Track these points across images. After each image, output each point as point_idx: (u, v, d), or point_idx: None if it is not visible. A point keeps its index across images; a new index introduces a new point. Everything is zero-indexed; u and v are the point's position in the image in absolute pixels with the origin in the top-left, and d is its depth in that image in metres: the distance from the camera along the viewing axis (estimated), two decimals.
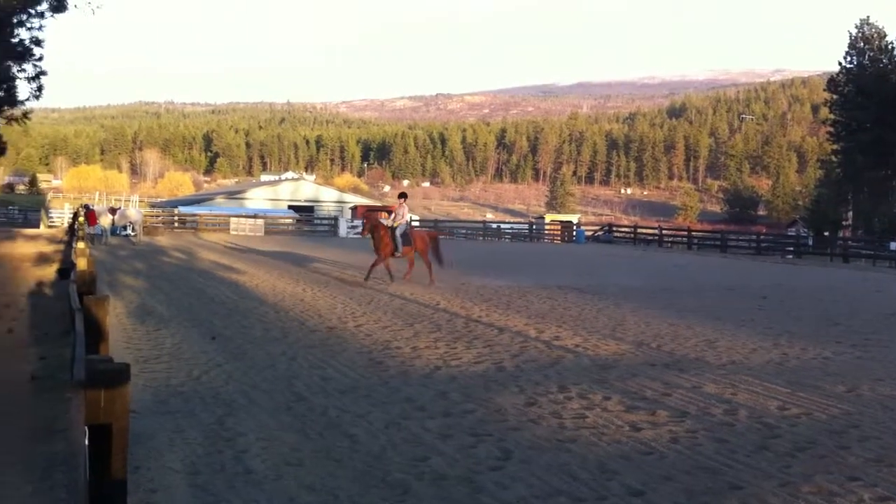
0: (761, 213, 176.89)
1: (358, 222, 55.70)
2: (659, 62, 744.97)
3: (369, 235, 20.99)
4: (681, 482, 6.12)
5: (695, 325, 14.35)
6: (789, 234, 74.26)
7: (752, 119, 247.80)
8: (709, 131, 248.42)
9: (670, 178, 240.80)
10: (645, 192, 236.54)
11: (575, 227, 60.36)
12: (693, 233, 55.73)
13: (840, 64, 71.01)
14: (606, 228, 60.21)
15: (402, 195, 22.50)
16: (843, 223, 66.99)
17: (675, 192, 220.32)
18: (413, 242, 21.10)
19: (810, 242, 50.84)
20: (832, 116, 72.70)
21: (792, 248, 48.44)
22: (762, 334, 13.59)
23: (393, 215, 21.63)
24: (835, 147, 73.30)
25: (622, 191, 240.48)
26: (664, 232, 55.58)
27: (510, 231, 66.30)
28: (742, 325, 14.71)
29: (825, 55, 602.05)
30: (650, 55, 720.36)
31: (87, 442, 3.64)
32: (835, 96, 71.67)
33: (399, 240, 20.71)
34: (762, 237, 55.14)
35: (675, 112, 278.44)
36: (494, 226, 69.46)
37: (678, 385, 9.42)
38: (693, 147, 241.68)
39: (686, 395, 8.97)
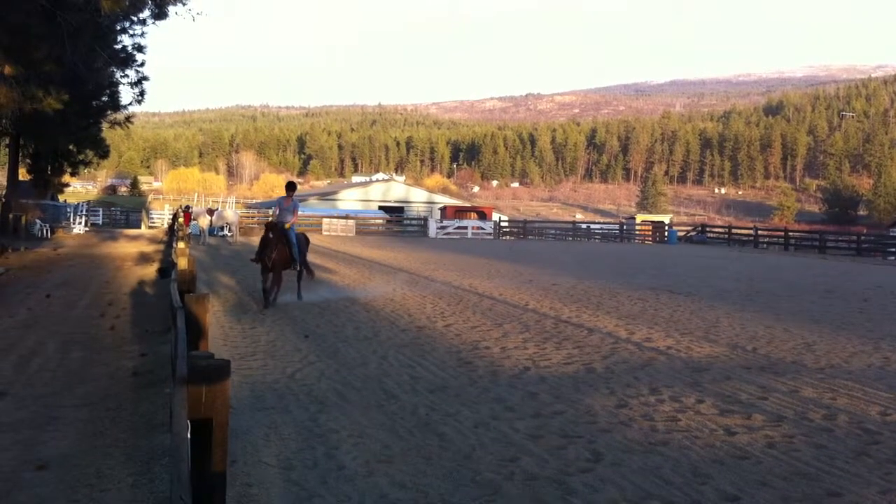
0: (862, 213, 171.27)
1: (448, 223, 56.02)
2: (755, 59, 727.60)
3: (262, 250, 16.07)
4: (777, 488, 5.99)
5: (792, 328, 13.97)
6: (892, 234, 71.47)
7: (852, 116, 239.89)
8: (807, 129, 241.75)
9: (766, 177, 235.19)
10: (740, 192, 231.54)
11: (667, 228, 59.37)
12: (790, 233, 54.22)
13: None
14: (699, 229, 59.06)
15: (291, 186, 17.36)
16: None
17: (771, 192, 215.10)
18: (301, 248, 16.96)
19: None
20: None
21: (895, 250, 46.65)
22: (863, 338, 13.14)
23: (276, 210, 17.11)
24: None
25: (716, 190, 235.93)
26: (760, 232, 54.19)
27: (600, 231, 65.63)
28: (842, 328, 14.25)
29: None
30: (746, 52, 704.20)
31: (189, 436, 3.76)
32: None
33: (295, 249, 16.36)
34: (863, 238, 53.19)
35: (772, 110, 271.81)
36: (584, 226, 68.83)
37: (774, 389, 9.20)
38: (790, 145, 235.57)
39: (783, 399, 8.75)
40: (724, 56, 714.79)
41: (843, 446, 7.03)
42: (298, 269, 16.77)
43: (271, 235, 15.83)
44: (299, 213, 17.35)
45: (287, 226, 16.33)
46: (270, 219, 17.12)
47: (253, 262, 16.85)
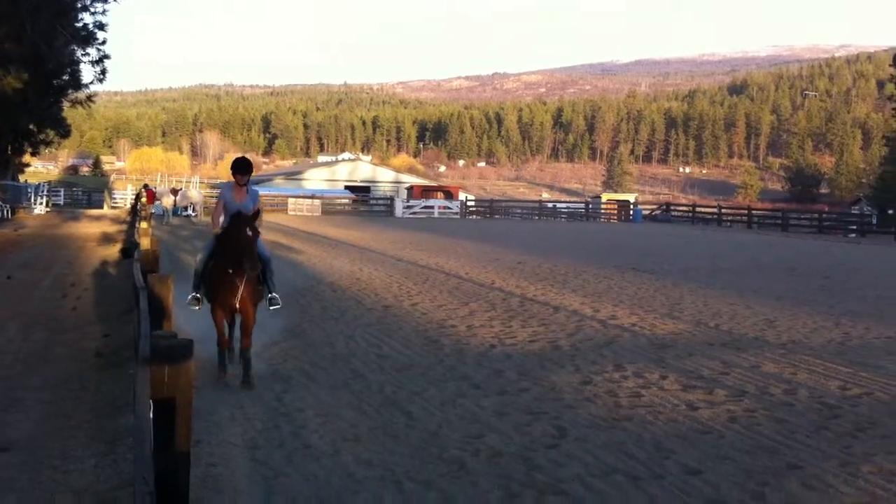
0: (824, 191, 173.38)
1: (415, 202, 55.91)
2: (720, 38, 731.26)
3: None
4: (739, 462, 6.08)
5: (754, 305, 14.15)
6: (853, 212, 72.47)
7: (815, 95, 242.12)
8: (771, 108, 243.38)
9: (730, 156, 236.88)
10: (704, 171, 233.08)
11: (632, 207, 59.78)
12: (753, 211, 54.82)
13: None
14: (664, 207, 59.57)
15: (244, 165, 8.90)
16: None
17: (735, 171, 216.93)
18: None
19: (874, 221, 49.56)
20: None
21: (855, 227, 47.33)
22: (824, 314, 13.34)
23: (219, 207, 9.22)
24: None
25: (680, 170, 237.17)
26: (724, 211, 54.73)
27: (566, 210, 65.84)
28: (803, 304, 14.46)
29: (892, 30, 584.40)
30: (711, 31, 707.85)
31: (151, 416, 3.73)
32: None
33: (270, 271, 9.30)
34: (824, 215, 53.96)
35: (736, 89, 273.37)
36: (550, 205, 69.12)
37: (736, 364, 9.33)
38: (754, 125, 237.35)
39: (744, 374, 8.87)
40: (689, 36, 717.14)
41: (804, 420, 7.15)
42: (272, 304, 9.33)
43: (250, 233, 8.42)
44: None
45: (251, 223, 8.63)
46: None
47: (194, 302, 9.04)
